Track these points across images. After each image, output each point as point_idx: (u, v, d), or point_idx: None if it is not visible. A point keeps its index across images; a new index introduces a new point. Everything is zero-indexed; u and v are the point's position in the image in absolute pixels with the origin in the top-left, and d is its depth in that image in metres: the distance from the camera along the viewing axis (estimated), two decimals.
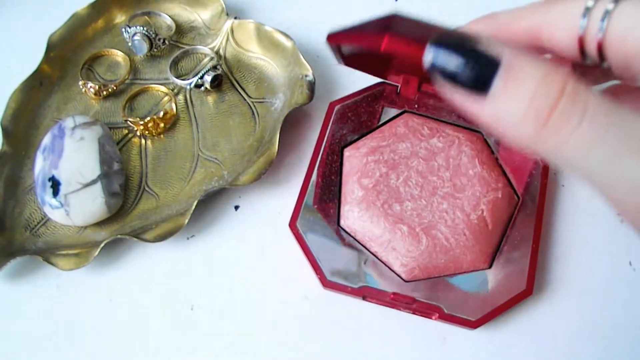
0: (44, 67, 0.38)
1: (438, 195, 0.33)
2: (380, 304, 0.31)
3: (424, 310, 0.31)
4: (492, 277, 0.32)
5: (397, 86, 0.37)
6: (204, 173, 0.36)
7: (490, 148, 0.35)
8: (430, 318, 0.31)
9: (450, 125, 0.36)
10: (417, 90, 0.37)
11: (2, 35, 0.42)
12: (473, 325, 0.30)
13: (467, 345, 0.32)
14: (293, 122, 0.38)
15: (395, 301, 0.31)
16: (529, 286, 0.31)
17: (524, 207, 0.33)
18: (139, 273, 0.34)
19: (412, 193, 0.33)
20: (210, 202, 0.36)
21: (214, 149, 0.37)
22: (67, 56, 0.40)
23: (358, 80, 0.38)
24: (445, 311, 0.30)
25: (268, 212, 0.35)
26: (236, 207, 0.36)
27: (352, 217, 0.33)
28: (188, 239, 0.35)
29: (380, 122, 0.36)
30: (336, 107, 0.36)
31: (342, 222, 0.33)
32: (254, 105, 0.38)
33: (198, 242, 0.34)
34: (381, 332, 0.32)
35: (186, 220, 0.33)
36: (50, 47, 0.39)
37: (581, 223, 0.35)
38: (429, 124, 0.36)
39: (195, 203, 0.33)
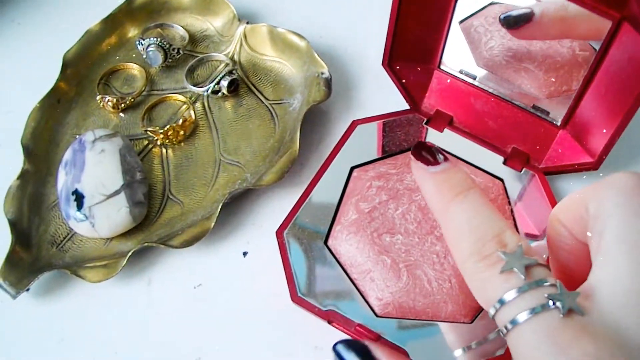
0: (60, 84, 0.38)
1: (434, 235, 0.31)
2: (345, 332, 0.29)
3: None
4: (472, 333, 0.29)
5: (425, 119, 0.36)
6: (227, 177, 0.36)
7: (508, 198, 0.33)
8: None
9: (470, 166, 0.34)
10: (448, 125, 0.35)
11: (18, 56, 0.42)
12: None
13: None
14: (312, 119, 0.37)
15: (359, 333, 0.29)
16: (509, 353, 0.28)
17: None
18: (168, 280, 0.33)
19: (407, 227, 0.31)
20: (235, 204, 0.35)
21: (236, 153, 0.37)
22: (83, 72, 0.40)
23: (373, 81, 0.38)
24: (410, 357, 0.28)
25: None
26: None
27: (340, 238, 0.31)
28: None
29: (400, 150, 0.35)
30: (358, 126, 0.35)
31: (329, 242, 0.32)
32: (272, 107, 0.38)
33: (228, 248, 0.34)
34: None
35: (212, 224, 0.32)
36: (65, 65, 0.39)
37: None
38: None
39: (220, 206, 0.33)
